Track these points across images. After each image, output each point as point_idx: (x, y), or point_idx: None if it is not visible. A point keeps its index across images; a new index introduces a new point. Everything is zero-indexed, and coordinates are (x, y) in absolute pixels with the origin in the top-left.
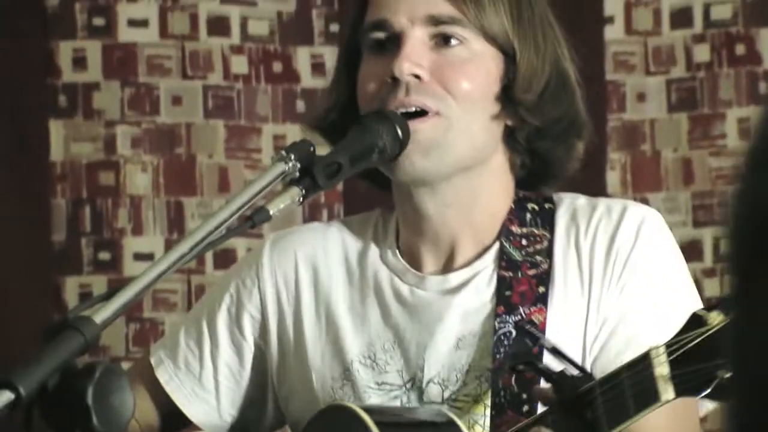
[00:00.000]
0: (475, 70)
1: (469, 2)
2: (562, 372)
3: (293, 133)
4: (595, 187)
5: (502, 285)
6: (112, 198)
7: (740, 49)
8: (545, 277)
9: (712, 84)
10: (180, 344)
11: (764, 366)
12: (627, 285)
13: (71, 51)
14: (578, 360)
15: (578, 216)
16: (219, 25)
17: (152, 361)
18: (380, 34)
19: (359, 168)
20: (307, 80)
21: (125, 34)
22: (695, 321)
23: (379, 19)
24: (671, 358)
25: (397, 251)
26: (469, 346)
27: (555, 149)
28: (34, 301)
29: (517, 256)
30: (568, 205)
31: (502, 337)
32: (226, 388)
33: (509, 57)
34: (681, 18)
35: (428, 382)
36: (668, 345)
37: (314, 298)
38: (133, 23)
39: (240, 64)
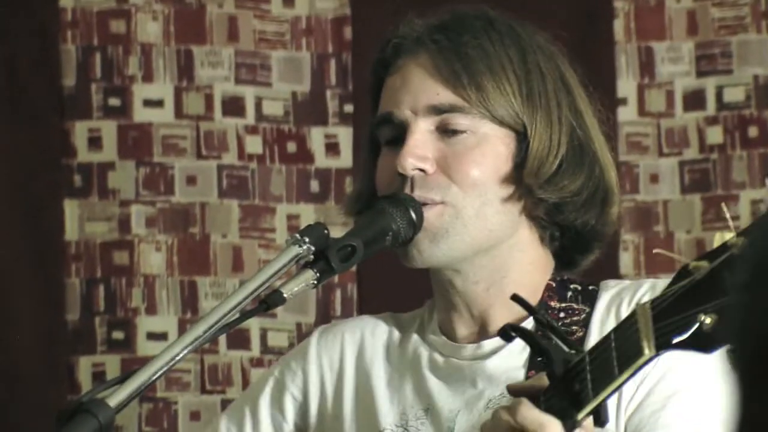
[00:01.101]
0: (481, 155)
1: (471, 88)
2: (554, 344)
3: (307, 212)
4: (608, 268)
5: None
6: (126, 277)
7: (753, 131)
8: (579, 343)
9: (725, 166)
10: (220, 429)
11: None
12: None
13: (87, 131)
14: (612, 418)
15: (623, 293)
16: (234, 106)
17: None
18: (388, 128)
19: (373, 251)
20: (321, 160)
21: (140, 114)
22: (683, 273)
23: (385, 113)
24: (655, 312)
25: (438, 329)
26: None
27: (581, 220)
28: (48, 381)
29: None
30: (613, 286)
31: None
32: None
33: (521, 134)
34: (694, 100)
35: None
36: (654, 300)
37: (355, 376)
38: (148, 103)
39: (254, 144)
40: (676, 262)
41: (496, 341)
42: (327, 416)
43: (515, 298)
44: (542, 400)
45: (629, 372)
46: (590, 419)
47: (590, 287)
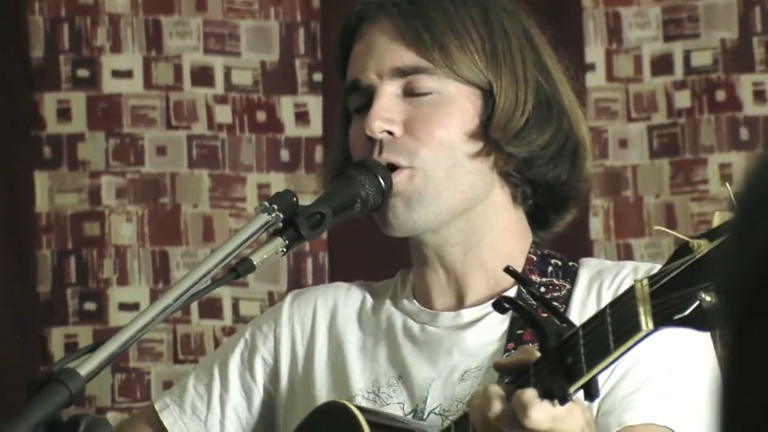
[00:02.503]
0: (447, 115)
1: (435, 48)
2: (547, 318)
3: (277, 181)
4: (578, 234)
5: (515, 325)
6: (97, 248)
7: (721, 95)
8: None
9: (694, 130)
10: (188, 389)
11: (758, 415)
12: None
13: (56, 103)
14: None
15: (603, 273)
16: (203, 75)
17: (157, 406)
18: (356, 95)
19: (342, 218)
20: (291, 129)
21: (109, 85)
22: (682, 250)
23: (352, 81)
24: (654, 288)
25: (412, 296)
26: (474, 378)
27: (551, 174)
28: (20, 352)
29: (533, 300)
30: (595, 265)
31: None
32: None
33: (486, 92)
34: (662, 65)
35: (429, 413)
36: (652, 276)
37: (328, 341)
38: (117, 74)
39: (224, 114)
40: (675, 238)
41: (475, 311)
42: (297, 380)
43: (508, 270)
44: (532, 372)
45: (625, 347)
46: (581, 393)
47: (570, 263)
